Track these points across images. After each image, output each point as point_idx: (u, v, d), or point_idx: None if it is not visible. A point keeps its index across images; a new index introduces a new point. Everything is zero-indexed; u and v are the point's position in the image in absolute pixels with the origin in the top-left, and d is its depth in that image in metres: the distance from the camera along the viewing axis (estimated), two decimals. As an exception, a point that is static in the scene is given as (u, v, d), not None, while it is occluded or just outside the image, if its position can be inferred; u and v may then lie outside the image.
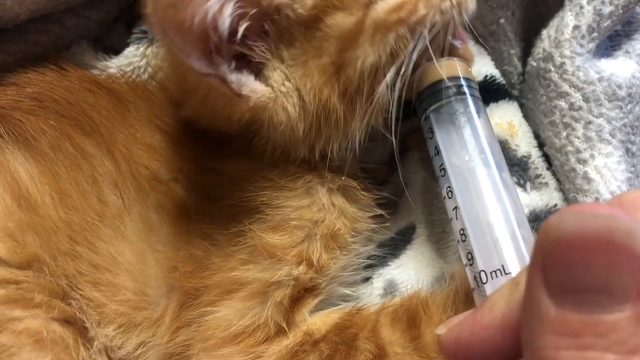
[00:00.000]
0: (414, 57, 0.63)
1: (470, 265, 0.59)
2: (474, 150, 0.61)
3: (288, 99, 0.63)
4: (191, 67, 0.59)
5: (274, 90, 0.63)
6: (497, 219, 0.58)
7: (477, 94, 0.66)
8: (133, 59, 0.74)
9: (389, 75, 0.62)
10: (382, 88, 0.62)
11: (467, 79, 0.65)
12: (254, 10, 0.60)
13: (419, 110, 0.68)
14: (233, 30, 0.60)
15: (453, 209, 0.61)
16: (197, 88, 0.65)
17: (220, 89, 0.61)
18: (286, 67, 0.63)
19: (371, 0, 0.62)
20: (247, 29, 0.60)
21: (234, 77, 0.60)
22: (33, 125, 0.66)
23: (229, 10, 0.58)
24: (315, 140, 0.66)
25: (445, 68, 0.65)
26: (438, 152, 0.64)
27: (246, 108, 0.62)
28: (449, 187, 0.62)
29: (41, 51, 0.75)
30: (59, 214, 0.63)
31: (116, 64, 0.74)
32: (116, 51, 0.77)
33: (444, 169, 0.63)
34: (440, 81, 0.64)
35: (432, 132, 0.65)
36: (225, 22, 0.58)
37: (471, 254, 0.58)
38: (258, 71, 0.63)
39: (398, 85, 0.63)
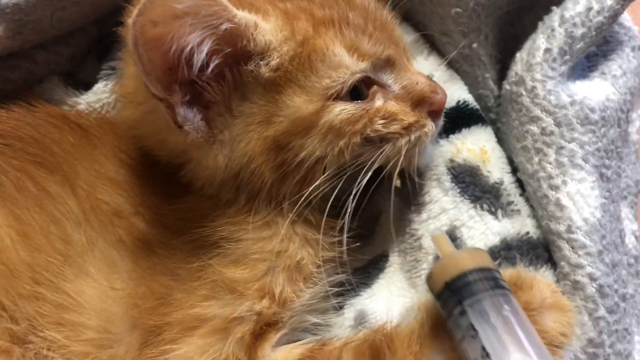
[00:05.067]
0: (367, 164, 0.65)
1: None
2: (529, 348, 0.55)
3: (222, 149, 0.64)
4: (146, 85, 0.59)
5: (214, 134, 0.63)
6: None
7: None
8: (102, 95, 0.75)
9: (330, 170, 0.64)
10: (320, 179, 0.64)
11: (498, 271, 0.60)
12: (228, 50, 0.60)
13: (441, 303, 0.60)
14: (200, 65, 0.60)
15: None
16: (143, 102, 0.66)
17: (164, 114, 0.62)
18: (231, 117, 0.63)
19: (331, 93, 0.62)
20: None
21: (182, 110, 0.61)
22: None
23: (207, 46, 0.59)
24: (239, 190, 0.66)
25: (472, 258, 0.59)
26: (487, 354, 0.55)
27: (181, 141, 0.63)
28: None
29: (12, 87, 0.76)
30: (21, 256, 0.63)
31: (85, 100, 0.75)
32: (88, 85, 0.78)
33: None
34: (469, 273, 0.58)
35: (475, 330, 0.56)
36: (201, 57, 0.59)
37: None
38: (206, 109, 0.63)
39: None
